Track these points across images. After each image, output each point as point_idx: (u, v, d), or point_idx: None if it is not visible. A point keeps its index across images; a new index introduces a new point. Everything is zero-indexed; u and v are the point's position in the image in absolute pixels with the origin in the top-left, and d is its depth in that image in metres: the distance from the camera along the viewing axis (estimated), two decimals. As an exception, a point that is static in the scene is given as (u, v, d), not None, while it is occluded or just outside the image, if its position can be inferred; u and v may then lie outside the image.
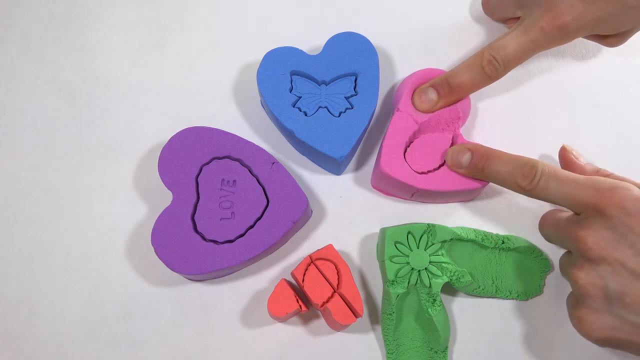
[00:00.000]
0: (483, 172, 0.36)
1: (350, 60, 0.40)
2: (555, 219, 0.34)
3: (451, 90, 0.38)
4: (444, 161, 0.38)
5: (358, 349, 0.39)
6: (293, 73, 0.40)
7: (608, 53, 0.44)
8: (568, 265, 0.33)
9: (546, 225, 0.35)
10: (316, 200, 0.41)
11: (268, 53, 0.40)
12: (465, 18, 0.45)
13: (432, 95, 0.38)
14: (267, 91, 0.39)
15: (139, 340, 0.38)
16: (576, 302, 0.33)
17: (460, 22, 0.45)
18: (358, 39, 0.40)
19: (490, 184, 0.38)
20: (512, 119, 0.43)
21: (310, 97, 0.39)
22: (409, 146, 0.39)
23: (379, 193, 0.41)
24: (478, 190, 0.39)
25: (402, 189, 0.39)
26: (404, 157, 0.38)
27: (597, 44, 0.43)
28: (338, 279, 0.37)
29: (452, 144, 0.39)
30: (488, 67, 0.37)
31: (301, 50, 0.40)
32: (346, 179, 0.42)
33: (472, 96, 0.40)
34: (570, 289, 0.34)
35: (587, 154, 0.42)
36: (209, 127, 0.39)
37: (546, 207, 0.40)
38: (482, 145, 0.37)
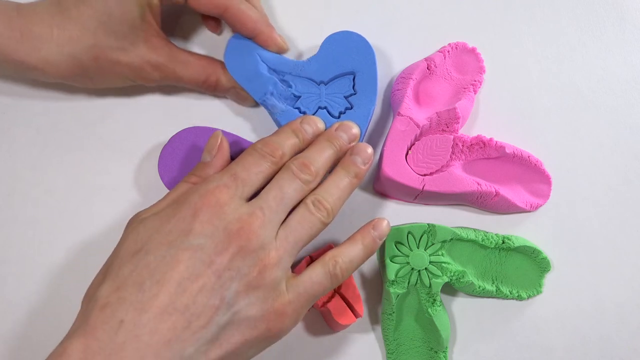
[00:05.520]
0: None
1: (347, 59, 0.40)
2: None
3: None
4: (446, 162, 0.39)
5: (358, 349, 0.39)
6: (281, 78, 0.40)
7: (608, 53, 0.44)
8: None
9: None
10: (316, 200, 0.41)
11: (226, 54, 0.39)
12: (464, 16, 0.45)
13: None
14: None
15: (139, 340, 0.38)
16: None
17: (458, 19, 0.45)
18: (354, 38, 0.40)
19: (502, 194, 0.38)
20: (512, 119, 0.43)
21: (310, 97, 0.39)
22: (410, 149, 0.39)
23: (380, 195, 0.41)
24: (486, 194, 0.39)
25: (406, 191, 0.39)
26: (406, 160, 0.39)
27: (595, 44, 0.42)
28: (338, 279, 0.37)
29: (453, 145, 0.39)
30: None
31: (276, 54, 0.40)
32: (346, 179, 0.42)
33: (472, 96, 0.40)
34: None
35: (587, 154, 0.42)
36: (209, 127, 0.39)
37: (544, 210, 0.40)
38: None
